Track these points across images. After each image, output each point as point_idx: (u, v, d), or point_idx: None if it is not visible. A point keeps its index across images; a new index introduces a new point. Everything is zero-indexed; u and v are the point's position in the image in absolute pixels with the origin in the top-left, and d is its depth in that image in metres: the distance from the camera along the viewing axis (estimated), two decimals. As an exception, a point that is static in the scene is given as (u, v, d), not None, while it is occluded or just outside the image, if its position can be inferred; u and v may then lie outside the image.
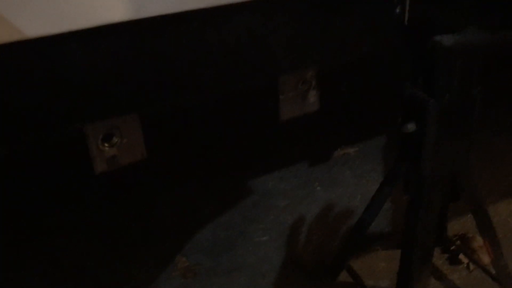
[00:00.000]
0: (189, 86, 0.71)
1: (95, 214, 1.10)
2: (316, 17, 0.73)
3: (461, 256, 1.22)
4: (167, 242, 1.23)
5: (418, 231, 0.87)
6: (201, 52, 0.68)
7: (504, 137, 1.56)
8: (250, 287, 1.23)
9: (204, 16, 0.65)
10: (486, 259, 1.21)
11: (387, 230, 1.36)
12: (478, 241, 1.25)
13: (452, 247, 1.24)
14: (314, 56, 0.77)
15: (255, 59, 0.73)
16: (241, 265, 1.26)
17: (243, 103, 1.08)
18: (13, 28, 0.52)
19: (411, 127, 0.86)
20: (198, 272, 1.22)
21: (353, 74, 1.15)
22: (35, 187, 0.91)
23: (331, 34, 0.76)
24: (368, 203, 1.04)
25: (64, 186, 0.93)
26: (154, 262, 1.21)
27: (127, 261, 1.19)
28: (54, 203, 0.97)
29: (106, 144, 0.73)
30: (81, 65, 0.61)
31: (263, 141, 1.29)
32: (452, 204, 1.15)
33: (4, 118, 0.60)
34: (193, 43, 0.67)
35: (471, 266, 1.21)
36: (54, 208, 0.99)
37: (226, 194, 1.33)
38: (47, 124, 0.64)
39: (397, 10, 0.72)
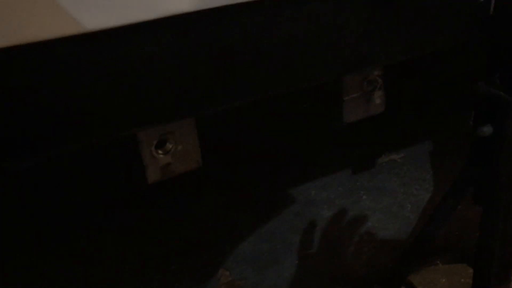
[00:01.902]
0: (249, 86, 0.65)
1: (137, 224, 1.04)
2: (387, 6, 0.66)
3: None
4: (209, 255, 1.17)
5: (496, 244, 0.79)
6: (265, 47, 0.62)
7: None
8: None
9: (272, 6, 0.58)
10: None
11: (445, 242, 1.27)
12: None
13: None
14: (385, 50, 0.70)
15: (322, 56, 0.67)
16: (288, 280, 1.19)
17: (295, 105, 1.01)
18: (71, 20, 0.46)
19: (487, 130, 0.78)
20: (243, 287, 1.15)
21: (415, 72, 1.07)
22: (80, 193, 0.86)
23: (404, 27, 0.69)
24: (432, 213, 0.96)
25: (112, 195, 0.88)
26: (196, 276, 1.15)
27: (168, 275, 1.13)
28: (98, 211, 0.92)
29: (160, 151, 0.67)
30: (139, 62, 0.55)
31: (309, 146, 1.22)
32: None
33: (55, 120, 0.54)
34: (258, 37, 0.60)
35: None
36: (97, 215, 0.94)
37: (268, 204, 1.27)
38: (100, 128, 0.58)
39: (482, -1, 0.65)
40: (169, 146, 0.68)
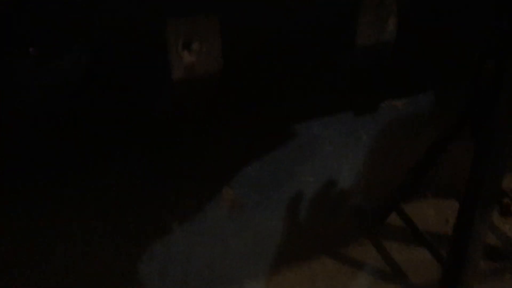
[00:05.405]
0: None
1: (149, 144, 1.11)
2: None
3: (513, 209, 1.20)
4: (214, 173, 1.24)
5: (486, 179, 0.84)
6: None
7: None
8: (294, 223, 1.24)
9: None
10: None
11: (437, 180, 1.34)
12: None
13: (505, 200, 1.21)
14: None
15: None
16: (286, 203, 1.26)
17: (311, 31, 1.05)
18: None
19: (490, 62, 0.82)
20: (245, 204, 1.23)
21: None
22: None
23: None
24: (429, 146, 1.01)
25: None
26: (201, 191, 1.22)
27: (177, 190, 1.21)
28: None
29: (185, 51, 0.72)
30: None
31: (316, 84, 1.28)
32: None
33: (90, 15, 0.59)
34: None
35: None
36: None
37: (274, 134, 1.33)
38: (131, 18, 0.63)
39: None
40: (194, 46, 0.73)
